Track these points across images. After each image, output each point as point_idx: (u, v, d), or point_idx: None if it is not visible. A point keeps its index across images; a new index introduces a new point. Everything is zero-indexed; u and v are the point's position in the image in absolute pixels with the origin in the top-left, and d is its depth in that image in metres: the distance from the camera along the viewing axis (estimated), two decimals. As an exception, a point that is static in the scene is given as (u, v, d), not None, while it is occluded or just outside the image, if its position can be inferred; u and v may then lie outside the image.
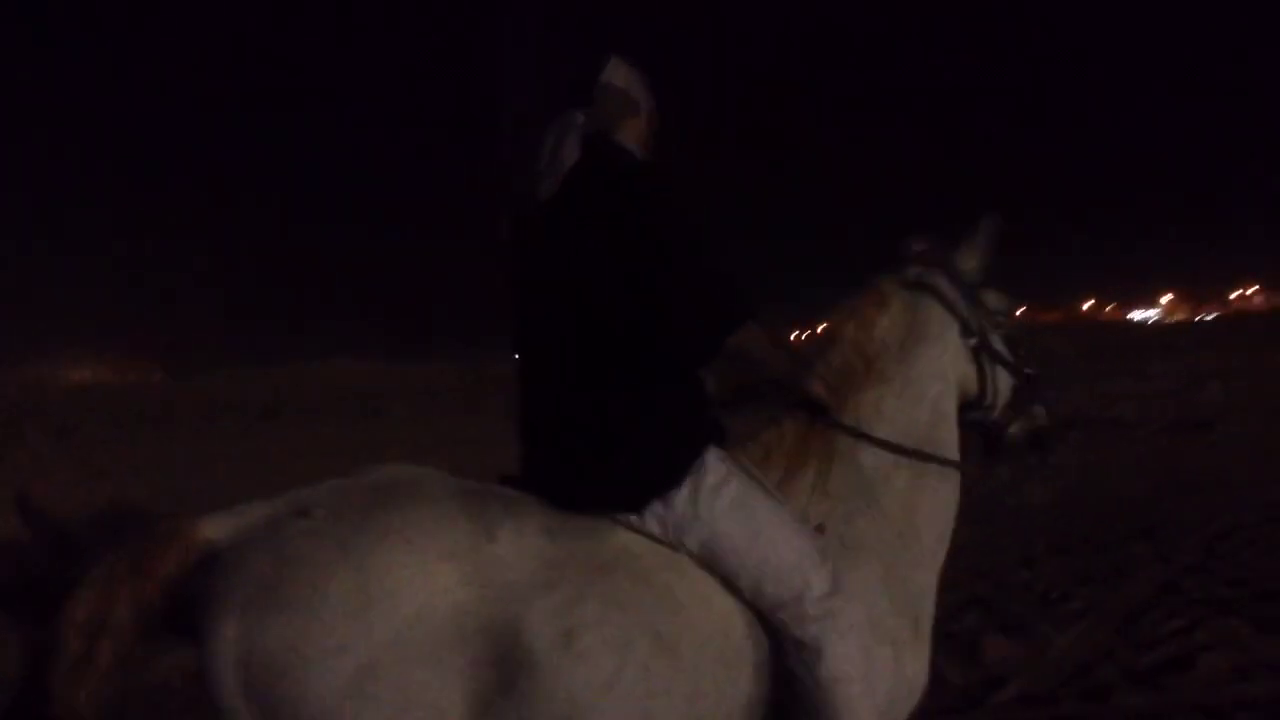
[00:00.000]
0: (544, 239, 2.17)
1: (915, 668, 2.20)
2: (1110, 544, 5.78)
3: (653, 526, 2.06)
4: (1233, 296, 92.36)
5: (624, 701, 1.90)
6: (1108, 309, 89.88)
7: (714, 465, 2.11)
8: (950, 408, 2.48)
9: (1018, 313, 2.67)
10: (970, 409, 2.53)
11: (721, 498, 2.06)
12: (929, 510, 2.37)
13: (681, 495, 2.05)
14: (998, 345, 2.53)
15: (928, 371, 2.44)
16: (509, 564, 1.87)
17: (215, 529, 1.85)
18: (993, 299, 2.59)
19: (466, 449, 15.38)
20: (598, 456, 2.07)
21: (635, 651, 1.92)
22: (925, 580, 2.32)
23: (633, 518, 2.06)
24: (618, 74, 2.30)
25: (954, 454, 2.46)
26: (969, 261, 2.56)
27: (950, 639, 4.26)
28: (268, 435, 21.30)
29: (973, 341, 2.49)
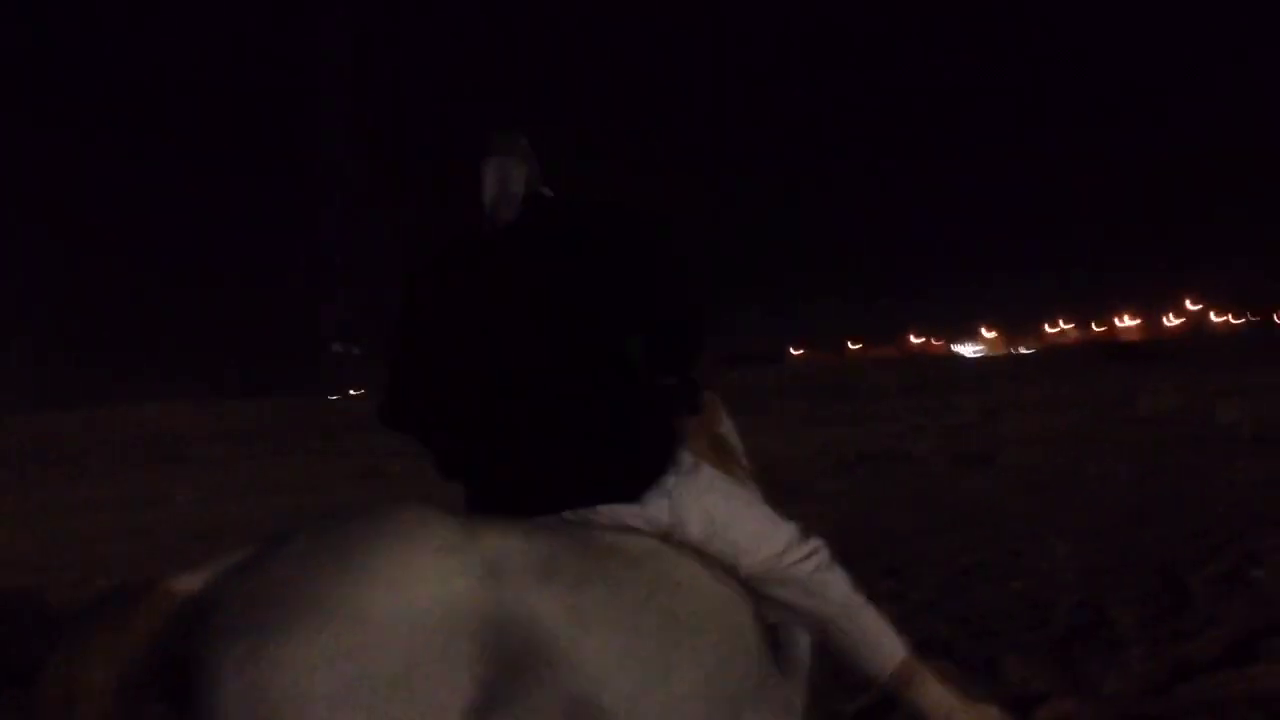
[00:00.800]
0: (516, 261, 2.31)
1: None
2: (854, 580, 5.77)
3: (655, 514, 2.18)
4: (1050, 331, 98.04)
5: (641, 676, 1.94)
6: (935, 343, 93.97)
7: (683, 453, 2.30)
8: None
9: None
10: None
11: (700, 479, 2.25)
12: None
13: (673, 480, 2.21)
14: None
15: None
16: (502, 556, 1.89)
17: (192, 579, 1.80)
18: None
19: (274, 494, 14.86)
20: (600, 450, 2.19)
21: (646, 628, 1.99)
22: None
23: (629, 508, 2.17)
24: (518, 137, 2.47)
25: None
26: None
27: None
28: (65, 483, 20.14)
29: None
